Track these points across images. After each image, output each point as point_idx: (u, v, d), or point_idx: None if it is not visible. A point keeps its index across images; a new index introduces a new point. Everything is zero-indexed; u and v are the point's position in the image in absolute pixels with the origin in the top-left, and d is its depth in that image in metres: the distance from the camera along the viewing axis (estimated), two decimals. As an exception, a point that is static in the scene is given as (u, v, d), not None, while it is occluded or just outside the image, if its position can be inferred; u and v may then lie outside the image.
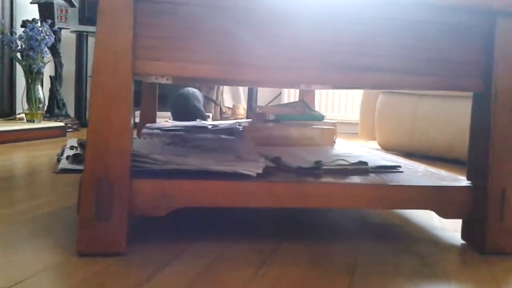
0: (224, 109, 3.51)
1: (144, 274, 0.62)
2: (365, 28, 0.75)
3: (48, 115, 2.63)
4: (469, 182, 0.83)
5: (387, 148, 2.37)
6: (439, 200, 0.80)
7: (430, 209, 0.80)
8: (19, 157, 1.62)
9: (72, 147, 0.96)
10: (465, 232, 0.84)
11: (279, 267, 0.67)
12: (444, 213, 0.80)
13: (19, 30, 2.36)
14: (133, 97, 0.70)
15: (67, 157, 0.84)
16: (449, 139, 2.03)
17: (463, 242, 0.84)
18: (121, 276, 0.61)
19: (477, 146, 0.82)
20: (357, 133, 2.74)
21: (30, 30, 2.24)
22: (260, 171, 0.78)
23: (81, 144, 0.96)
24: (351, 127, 3.30)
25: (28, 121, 2.26)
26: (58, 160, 0.83)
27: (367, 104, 2.56)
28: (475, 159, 0.83)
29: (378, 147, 2.46)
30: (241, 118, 3.16)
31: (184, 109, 2.39)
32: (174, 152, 0.84)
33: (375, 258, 0.73)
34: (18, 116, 2.36)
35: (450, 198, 0.80)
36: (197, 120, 2.04)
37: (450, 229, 0.91)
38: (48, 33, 2.30)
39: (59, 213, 0.89)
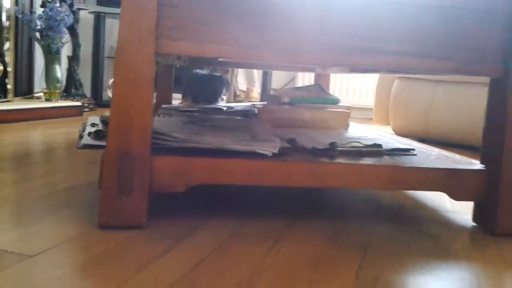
0: (238, 92, 3.53)
1: (161, 247, 0.64)
2: (385, 12, 0.76)
3: (65, 94, 2.66)
4: (483, 166, 0.84)
5: (401, 133, 2.37)
6: (452, 182, 0.81)
7: (442, 191, 0.81)
8: (37, 135, 1.66)
9: (93, 124, 0.98)
10: (477, 215, 0.85)
11: (293, 243, 0.69)
12: (457, 196, 0.82)
13: (39, 10, 2.39)
14: (154, 76, 0.72)
15: (89, 133, 0.86)
16: (464, 126, 2.02)
17: (474, 224, 0.85)
18: (140, 249, 0.64)
19: (492, 130, 0.83)
20: (371, 119, 2.74)
21: (49, 10, 2.26)
22: (276, 150, 0.80)
23: (104, 121, 0.98)
24: (365, 113, 3.30)
25: (46, 100, 2.30)
26: (81, 136, 0.85)
27: (383, 89, 2.56)
28: (490, 143, 0.83)
29: (392, 132, 2.46)
30: (255, 101, 3.18)
31: (204, 91, 2.38)
32: (193, 130, 0.86)
33: (388, 238, 0.75)
34: (36, 95, 2.40)
35: (463, 181, 0.81)
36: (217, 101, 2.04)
37: (462, 212, 0.93)
38: (67, 14, 2.33)
39: (78, 188, 0.92)
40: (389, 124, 2.44)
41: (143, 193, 0.71)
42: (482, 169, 0.82)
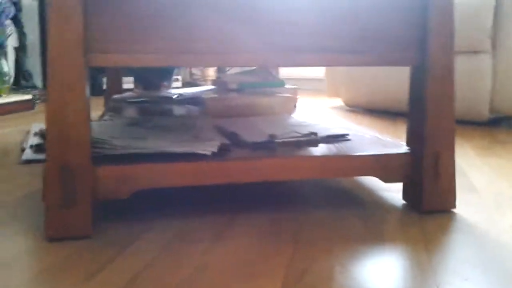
0: (194, 71, 3.52)
1: (108, 256, 0.68)
2: (297, 6, 0.80)
3: (14, 87, 2.61)
4: (408, 148, 0.91)
5: (350, 105, 2.45)
6: (381, 166, 0.87)
7: (374, 176, 0.87)
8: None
9: (35, 134, 0.99)
10: (405, 194, 0.92)
11: (231, 239, 0.74)
12: (386, 178, 0.88)
13: (-23, 3, 2.31)
14: (88, 84, 0.74)
15: (31, 146, 0.88)
16: (406, 94, 2.11)
17: (404, 202, 0.92)
18: (87, 258, 0.67)
19: (414, 114, 0.89)
20: (323, 90, 2.81)
21: (-13, 3, 2.19)
22: (215, 149, 0.84)
23: (42, 134, 1.00)
24: (318, 84, 3.36)
25: (-5, 96, 2.26)
26: (22, 150, 0.87)
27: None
28: (413, 127, 0.90)
29: (342, 104, 2.54)
30: (211, 81, 3.18)
31: (155, 73, 2.37)
32: (134, 135, 0.89)
33: (321, 224, 0.81)
34: (-16, 91, 2.34)
35: (391, 164, 0.88)
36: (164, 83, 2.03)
37: (395, 190, 1.00)
38: (8, 5, 2.26)
39: (26, 200, 0.94)
40: (339, 97, 2.51)
41: (87, 203, 0.74)
42: (408, 152, 0.89)
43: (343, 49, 0.82)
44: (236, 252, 0.70)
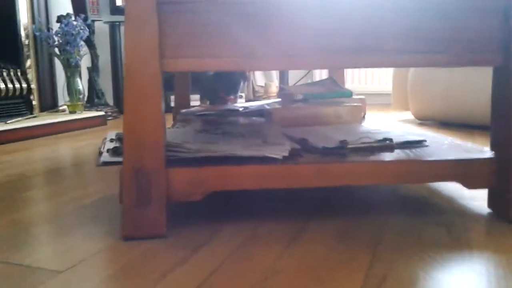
0: (256, 88, 3.55)
1: (181, 256, 0.68)
2: (378, 12, 0.77)
3: (88, 105, 2.74)
4: (493, 153, 0.85)
5: (421, 118, 2.35)
6: (463, 172, 0.82)
7: (455, 181, 0.82)
8: (65, 148, 1.72)
9: (112, 140, 1.03)
10: (491, 202, 0.86)
11: (306, 243, 0.72)
12: (469, 184, 0.83)
13: (55, 26, 2.46)
14: (163, 91, 0.75)
15: (108, 150, 0.90)
16: (483, 107, 1.99)
17: (489, 211, 0.86)
18: (160, 258, 0.67)
19: (498, 118, 0.83)
20: (390, 104, 2.73)
21: (65, 26, 2.33)
22: (286, 153, 0.83)
23: (119, 138, 1.03)
24: (384, 98, 3.28)
25: (71, 112, 2.38)
26: (100, 153, 0.90)
27: (400, 74, 2.54)
28: (497, 130, 0.84)
29: (412, 117, 2.45)
30: (274, 97, 3.20)
31: (220, 87, 2.39)
32: (205, 139, 0.89)
33: (400, 231, 0.77)
34: (60, 108, 2.48)
35: (474, 169, 0.82)
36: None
37: (479, 199, 0.93)
38: (82, 27, 2.39)
39: (104, 202, 0.97)
40: (408, 109, 2.42)
41: (161, 205, 0.75)
42: (492, 157, 0.83)
43: (421, 49, 0.78)
44: (311, 256, 0.67)
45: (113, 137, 1.09)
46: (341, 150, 0.89)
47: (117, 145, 0.87)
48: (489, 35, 0.79)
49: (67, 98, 2.43)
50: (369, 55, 0.78)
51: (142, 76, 0.73)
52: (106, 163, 0.78)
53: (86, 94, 2.75)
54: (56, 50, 2.39)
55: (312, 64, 0.81)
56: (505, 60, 0.80)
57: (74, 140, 1.93)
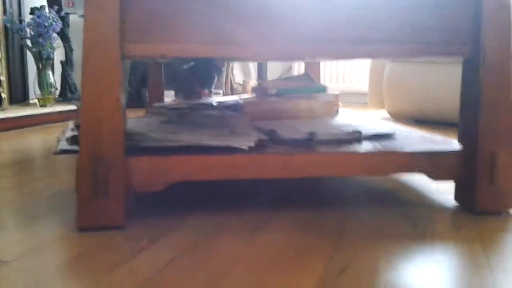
0: (235, 86, 3.53)
1: (137, 247, 0.65)
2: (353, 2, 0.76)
3: (61, 99, 2.68)
4: (460, 145, 0.84)
5: (397, 116, 2.36)
6: (430, 164, 0.81)
7: (421, 173, 0.81)
8: (32, 142, 1.67)
9: (73, 129, 1.00)
10: (457, 194, 0.85)
11: (270, 234, 0.70)
12: (435, 176, 0.82)
13: (28, 18, 2.39)
14: (123, 77, 0.72)
15: (67, 139, 0.88)
16: (458, 103, 2.01)
17: (456, 204, 0.85)
18: (117, 248, 0.65)
19: (467, 110, 0.83)
20: (367, 103, 2.74)
21: (37, 17, 2.27)
22: (252, 144, 0.81)
23: (78, 126, 1.00)
24: (361, 98, 3.29)
25: (41, 105, 2.32)
26: (58, 141, 0.87)
27: (376, 73, 2.55)
28: (465, 123, 0.83)
29: (388, 115, 2.46)
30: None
31: (195, 81, 2.35)
32: (169, 129, 0.87)
33: (365, 223, 0.75)
34: (31, 101, 2.42)
35: (441, 162, 0.81)
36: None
37: (445, 192, 0.93)
38: (55, 19, 2.33)
39: (65, 193, 0.93)
40: (384, 108, 2.43)
41: (119, 195, 0.72)
42: (459, 149, 0.82)
43: (390, 39, 0.77)
44: (273, 246, 0.65)
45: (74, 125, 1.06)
46: (309, 142, 0.87)
47: (76, 133, 0.84)
48: (460, 26, 0.79)
49: (39, 92, 2.37)
50: (332, 45, 0.77)
51: (101, 60, 0.70)
52: (64, 151, 0.76)
53: (59, 88, 2.68)
54: (28, 42, 2.33)
55: (286, 52, 0.79)
56: (474, 52, 0.79)
57: (44, 133, 1.88)
